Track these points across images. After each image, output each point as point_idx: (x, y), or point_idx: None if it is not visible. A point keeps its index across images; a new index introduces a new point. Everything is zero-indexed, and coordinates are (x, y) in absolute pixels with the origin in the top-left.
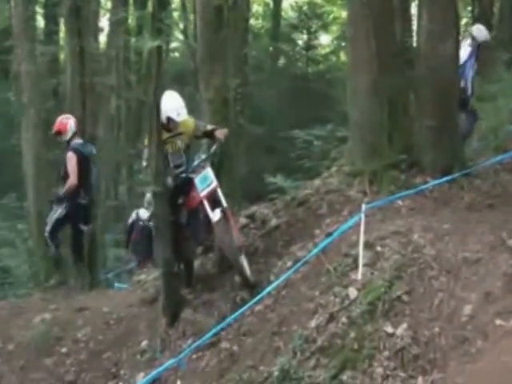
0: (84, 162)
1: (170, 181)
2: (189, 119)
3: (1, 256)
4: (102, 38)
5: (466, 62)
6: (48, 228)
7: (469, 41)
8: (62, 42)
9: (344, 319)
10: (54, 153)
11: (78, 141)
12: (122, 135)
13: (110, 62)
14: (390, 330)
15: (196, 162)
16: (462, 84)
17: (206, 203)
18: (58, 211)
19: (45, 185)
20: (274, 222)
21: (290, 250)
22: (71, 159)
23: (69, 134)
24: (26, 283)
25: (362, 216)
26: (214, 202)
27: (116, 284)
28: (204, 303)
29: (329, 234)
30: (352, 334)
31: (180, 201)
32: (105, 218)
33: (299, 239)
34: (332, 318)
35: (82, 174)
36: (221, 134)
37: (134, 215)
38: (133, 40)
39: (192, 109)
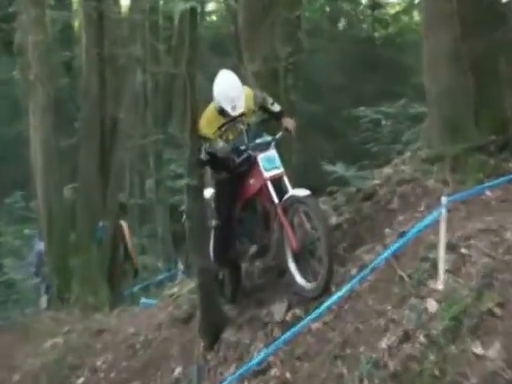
0: None
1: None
2: (247, 92)
3: (4, 268)
4: (124, 1)
5: None
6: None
7: None
8: (76, 7)
9: (422, 338)
10: (68, 141)
11: None
12: (149, 117)
13: (134, 29)
14: (478, 351)
15: (259, 141)
16: None
17: (270, 186)
18: None
19: (56, 179)
20: (334, 220)
21: (355, 254)
22: None
23: None
24: (35, 300)
25: (443, 211)
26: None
27: (142, 300)
28: (250, 321)
29: (402, 234)
30: (432, 357)
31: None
32: (129, 220)
33: (365, 241)
34: (407, 336)
35: None
36: (290, 124)
37: None
38: (161, 2)
39: None
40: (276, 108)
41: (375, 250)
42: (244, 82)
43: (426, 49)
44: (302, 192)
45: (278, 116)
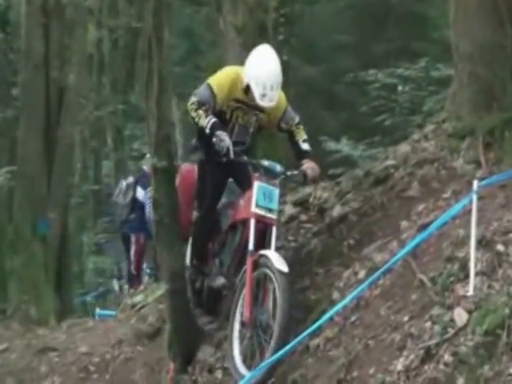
0: None
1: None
2: (282, 100)
3: None
4: None
5: None
6: None
7: None
8: None
9: (448, 357)
10: (3, 113)
11: None
12: (106, 82)
13: None
14: None
15: (266, 163)
16: None
17: (252, 226)
18: None
19: None
20: (337, 210)
21: (363, 252)
22: None
23: None
24: None
25: (474, 198)
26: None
27: (98, 310)
28: None
29: (423, 228)
30: (461, 380)
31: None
32: (80, 212)
33: (377, 236)
34: (429, 355)
35: None
36: (311, 171)
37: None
38: None
39: (213, 41)
40: (304, 146)
41: (389, 248)
42: (223, 38)
43: None
44: (280, 263)
45: (301, 155)
